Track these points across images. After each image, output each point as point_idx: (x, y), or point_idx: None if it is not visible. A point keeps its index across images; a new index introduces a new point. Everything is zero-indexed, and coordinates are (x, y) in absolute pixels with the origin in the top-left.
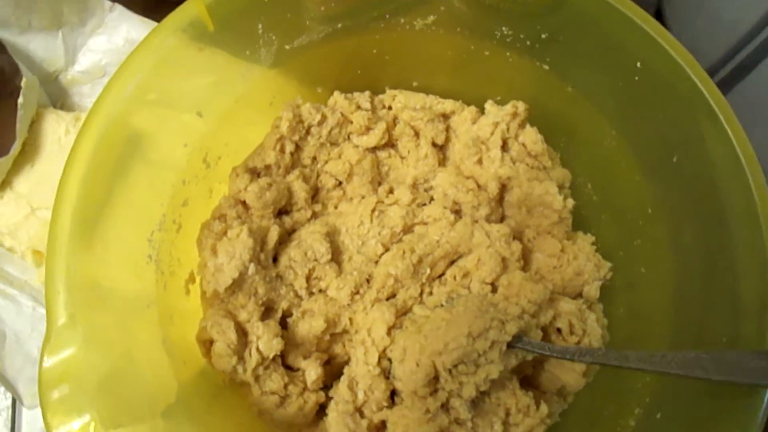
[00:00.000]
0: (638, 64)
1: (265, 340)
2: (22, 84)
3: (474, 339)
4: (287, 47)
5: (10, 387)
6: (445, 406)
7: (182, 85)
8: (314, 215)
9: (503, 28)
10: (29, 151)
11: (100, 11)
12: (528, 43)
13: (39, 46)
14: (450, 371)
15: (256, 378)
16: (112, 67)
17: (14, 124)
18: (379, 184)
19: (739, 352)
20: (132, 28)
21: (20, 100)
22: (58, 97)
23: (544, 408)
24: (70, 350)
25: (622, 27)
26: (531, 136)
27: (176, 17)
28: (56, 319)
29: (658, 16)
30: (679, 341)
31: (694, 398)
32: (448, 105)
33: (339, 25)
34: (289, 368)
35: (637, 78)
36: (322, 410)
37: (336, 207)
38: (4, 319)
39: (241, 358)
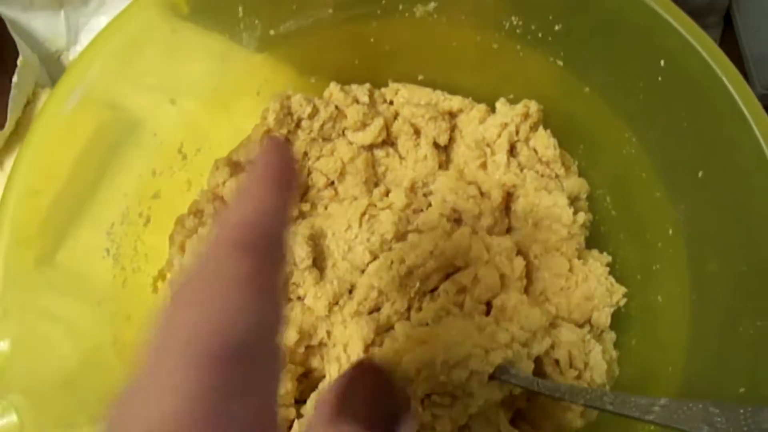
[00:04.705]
0: (662, 62)
1: None
2: (18, 62)
3: (450, 368)
4: (272, 32)
5: None
6: None
7: (153, 69)
8: (302, 215)
9: (512, 18)
10: (23, 131)
11: None
12: (540, 35)
13: (41, 25)
14: (422, 401)
15: None
16: None
17: (7, 102)
18: (375, 185)
19: (758, 410)
20: None
21: (15, 78)
22: (59, 78)
23: None
24: None
25: (644, 18)
26: (543, 140)
27: None
28: None
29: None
30: (693, 383)
31: None
32: (455, 102)
33: (329, 11)
34: None
35: (660, 78)
36: None
37: (326, 208)
38: None
39: None
